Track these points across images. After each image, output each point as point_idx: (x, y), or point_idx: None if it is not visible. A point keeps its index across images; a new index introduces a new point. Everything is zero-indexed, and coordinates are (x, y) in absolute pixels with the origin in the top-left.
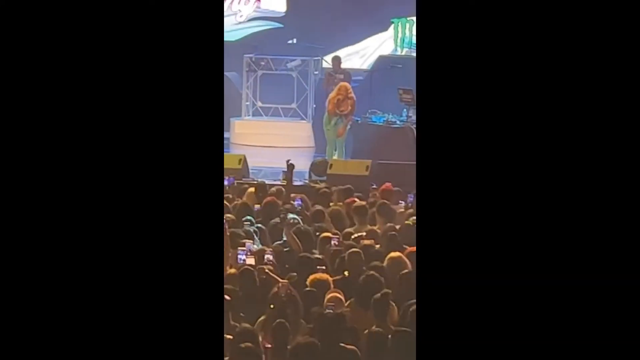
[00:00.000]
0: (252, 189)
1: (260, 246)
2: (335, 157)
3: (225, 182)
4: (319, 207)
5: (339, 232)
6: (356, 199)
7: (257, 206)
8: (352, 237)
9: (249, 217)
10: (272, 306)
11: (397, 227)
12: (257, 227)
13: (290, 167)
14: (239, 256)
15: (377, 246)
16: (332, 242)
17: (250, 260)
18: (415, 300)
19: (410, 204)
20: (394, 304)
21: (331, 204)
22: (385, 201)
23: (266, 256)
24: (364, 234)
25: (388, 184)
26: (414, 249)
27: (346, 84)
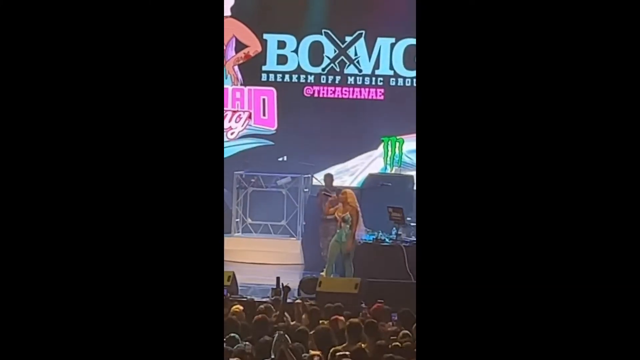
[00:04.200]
0: (240, 306)
1: None
2: (329, 275)
3: None
4: (311, 325)
5: (324, 352)
6: (340, 317)
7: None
8: (337, 354)
9: (233, 335)
10: None
11: (385, 345)
12: (244, 345)
13: (286, 289)
14: None
15: None
16: None
17: None
18: None
19: (395, 323)
20: None
21: (322, 321)
22: (373, 320)
23: None
24: (348, 353)
25: (379, 304)
26: None
27: (348, 190)
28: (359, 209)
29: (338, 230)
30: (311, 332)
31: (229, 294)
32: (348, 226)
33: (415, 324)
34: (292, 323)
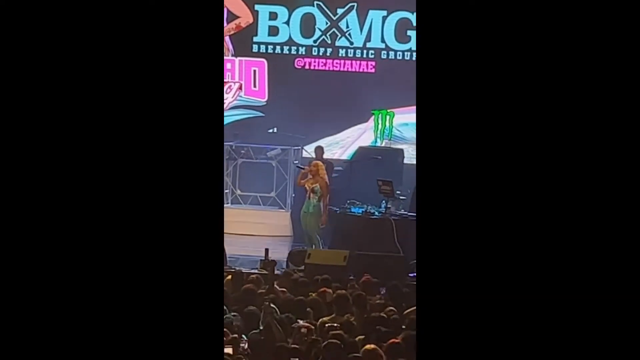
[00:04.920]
0: (228, 277)
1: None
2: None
3: None
4: (299, 297)
5: (313, 323)
6: (327, 289)
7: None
8: (326, 325)
9: None
10: None
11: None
12: (233, 315)
13: (272, 263)
14: None
15: (358, 338)
16: (301, 331)
17: (228, 350)
18: None
19: (383, 297)
20: None
21: (310, 293)
22: (362, 292)
23: (241, 345)
24: (337, 325)
25: (367, 277)
26: (392, 341)
27: (319, 162)
28: (327, 181)
29: (306, 201)
30: (302, 304)
31: None
32: (317, 197)
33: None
34: (280, 294)
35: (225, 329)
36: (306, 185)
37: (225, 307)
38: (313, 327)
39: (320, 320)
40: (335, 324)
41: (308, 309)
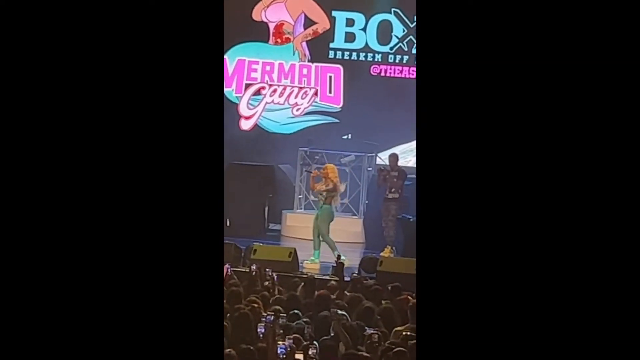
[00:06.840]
0: (302, 283)
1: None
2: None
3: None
4: (368, 304)
5: (384, 330)
6: (409, 297)
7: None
8: (402, 334)
9: (296, 311)
10: None
11: None
12: (304, 321)
13: (340, 265)
14: (279, 350)
15: None
16: (372, 338)
17: (299, 356)
18: None
19: None
20: None
21: (382, 300)
22: None
23: (310, 351)
24: (411, 333)
25: None
26: None
27: (330, 164)
28: (337, 182)
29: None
30: (371, 312)
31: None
32: (323, 199)
33: None
34: (352, 301)
35: (297, 335)
36: (319, 189)
37: (298, 312)
38: (382, 335)
39: (395, 329)
40: (409, 333)
41: (379, 317)
